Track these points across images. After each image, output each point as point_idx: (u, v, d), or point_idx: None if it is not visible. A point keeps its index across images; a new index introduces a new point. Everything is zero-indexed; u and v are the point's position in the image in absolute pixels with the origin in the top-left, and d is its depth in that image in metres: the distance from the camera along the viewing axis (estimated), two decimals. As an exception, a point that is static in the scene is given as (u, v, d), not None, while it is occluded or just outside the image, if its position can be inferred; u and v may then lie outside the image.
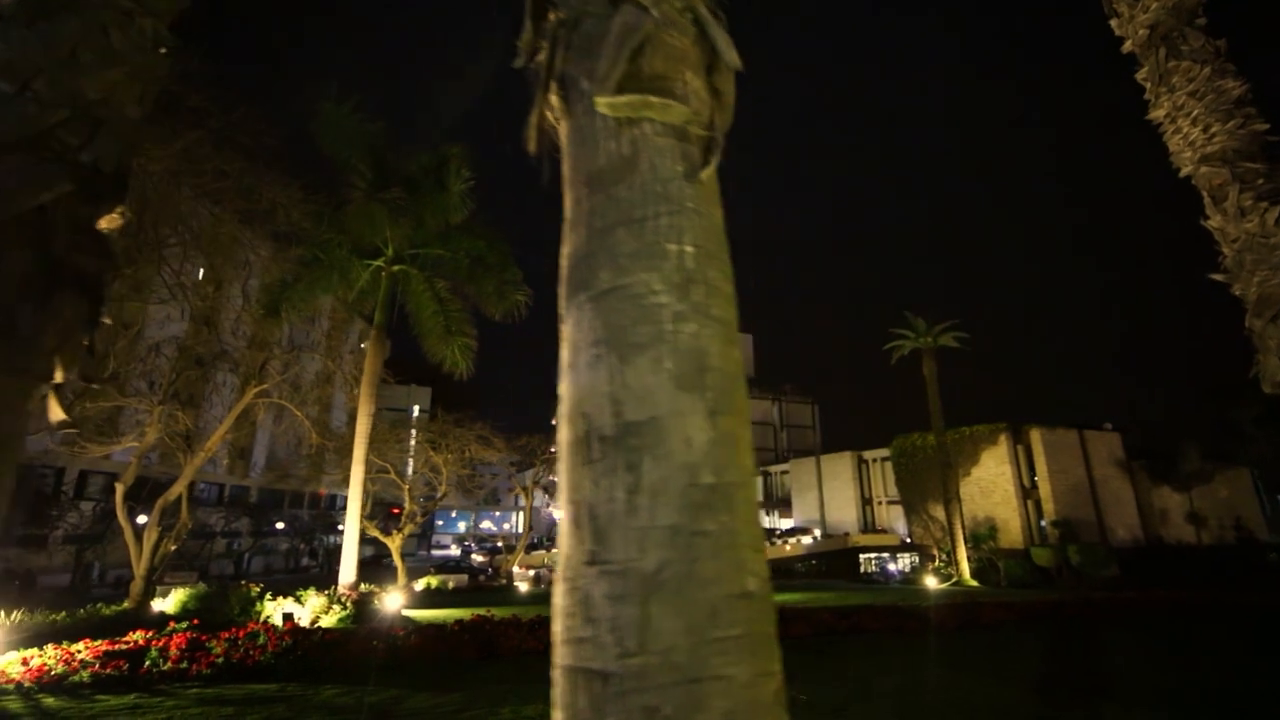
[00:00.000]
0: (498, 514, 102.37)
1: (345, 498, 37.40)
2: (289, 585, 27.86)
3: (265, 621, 13.48)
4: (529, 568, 38.91)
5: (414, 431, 48.78)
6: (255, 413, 22.92)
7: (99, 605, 15.84)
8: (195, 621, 11.98)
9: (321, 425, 34.29)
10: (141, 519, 33.15)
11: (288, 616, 13.40)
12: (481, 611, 14.48)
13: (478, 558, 54.54)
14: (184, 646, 7.97)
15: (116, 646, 8.02)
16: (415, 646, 8.29)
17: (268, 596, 14.45)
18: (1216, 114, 7.30)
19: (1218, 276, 7.14)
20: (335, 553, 55.72)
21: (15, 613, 12.86)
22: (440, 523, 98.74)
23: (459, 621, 9.71)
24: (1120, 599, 15.06)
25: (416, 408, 78.84)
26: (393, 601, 17.69)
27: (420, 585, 27.84)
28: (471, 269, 18.32)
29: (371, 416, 16.59)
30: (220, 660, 7.29)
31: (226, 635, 8.61)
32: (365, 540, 62.24)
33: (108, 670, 7.06)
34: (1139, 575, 33.16)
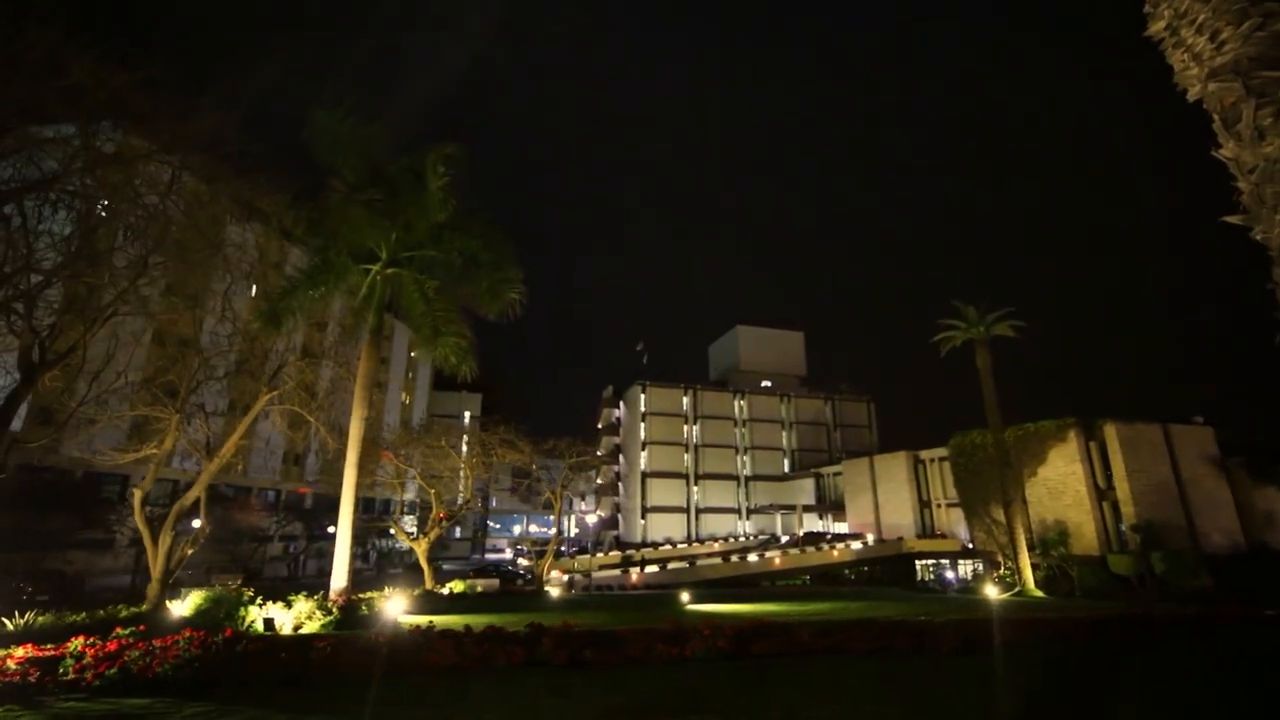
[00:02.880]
0: (550, 518, 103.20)
1: (398, 502, 38.24)
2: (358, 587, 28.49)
3: (248, 627, 13.49)
4: (566, 572, 38.65)
5: (465, 437, 49.51)
6: (283, 419, 23.44)
7: (118, 607, 16.37)
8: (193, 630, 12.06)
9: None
10: (196, 523, 35.01)
11: (268, 622, 13.34)
12: (472, 618, 14.01)
13: (523, 561, 54.98)
14: (102, 655, 7.80)
15: (43, 653, 7.95)
16: (325, 660, 7.81)
17: (257, 601, 14.48)
18: (1227, 16, 5.81)
19: (1233, 219, 5.67)
20: (388, 556, 57.51)
21: (29, 613, 13.40)
22: (496, 525, 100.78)
23: (383, 635, 9.21)
24: (1187, 615, 12.97)
25: (467, 413, 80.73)
26: (394, 607, 17.53)
27: (447, 589, 27.82)
28: (465, 268, 18.05)
29: (364, 421, 16.51)
30: (114, 672, 7.06)
31: (160, 643, 8.42)
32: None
33: (12, 678, 6.92)
34: (1237, 585, 29.43)
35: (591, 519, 61.76)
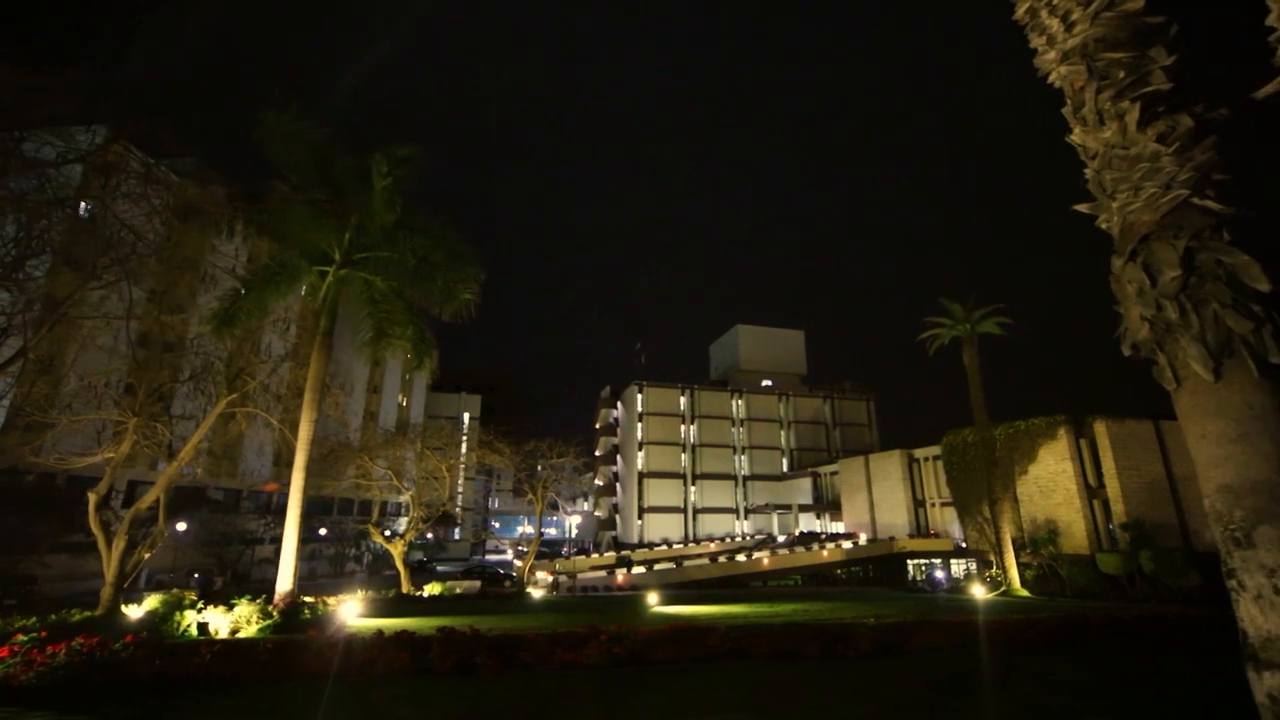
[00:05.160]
0: (554, 518, 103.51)
1: (378, 503, 38.25)
2: (330, 589, 28.57)
3: (183, 632, 13.47)
4: (552, 574, 38.55)
5: (464, 441, 49.36)
6: (247, 421, 23.43)
7: (71, 611, 16.45)
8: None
9: (351, 428, 35.36)
10: (181, 526, 35.26)
11: (202, 626, 13.31)
12: (420, 621, 13.90)
13: (518, 563, 55.07)
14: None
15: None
16: (205, 666, 7.71)
17: (197, 605, 14.47)
18: (1078, -3, 5.63)
19: (1082, 208, 5.44)
20: (383, 557, 57.72)
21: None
22: (497, 525, 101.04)
23: (272, 641, 9.10)
24: (1125, 618, 12.57)
25: (467, 415, 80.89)
26: (347, 610, 17.48)
27: (426, 591, 27.78)
28: (418, 269, 17.98)
29: (314, 424, 16.44)
30: (-27, 681, 7.03)
31: (53, 649, 8.38)
32: (416, 546, 63.73)
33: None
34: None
35: (576, 519, 61.69)
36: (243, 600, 14.62)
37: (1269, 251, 4.80)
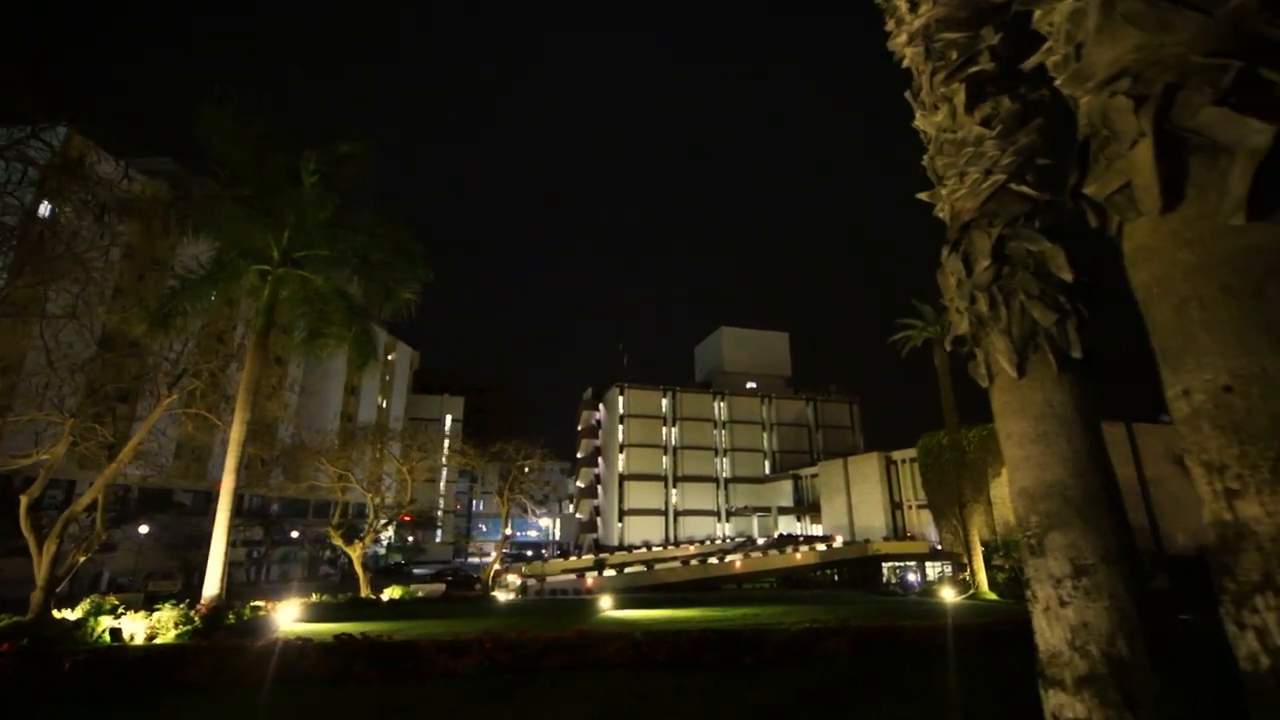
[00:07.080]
0: (538, 521, 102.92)
1: (338, 505, 37.80)
2: (300, 592, 28.13)
3: (96, 638, 13.11)
4: (521, 577, 38.20)
5: (450, 444, 48.93)
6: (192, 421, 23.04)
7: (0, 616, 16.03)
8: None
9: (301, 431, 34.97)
10: (144, 528, 34.75)
11: (115, 632, 12.94)
12: (354, 626, 13.60)
13: (497, 565, 54.66)
14: None
15: None
16: (64, 674, 7.37)
17: (119, 609, 14.11)
18: (925, -26, 5.41)
19: (922, 196, 5.21)
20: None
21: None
22: (485, 528, 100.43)
23: (143, 650, 8.78)
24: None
25: (449, 417, 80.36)
26: (285, 615, 17.16)
27: (386, 595, 27.43)
28: (360, 268, 17.70)
29: (246, 424, 16.09)
30: None
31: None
32: (394, 549, 63.05)
33: None
34: (1196, 587, 28.69)
35: (547, 521, 61.42)
36: (165, 604, 14.27)
37: (1097, 242, 4.57)
